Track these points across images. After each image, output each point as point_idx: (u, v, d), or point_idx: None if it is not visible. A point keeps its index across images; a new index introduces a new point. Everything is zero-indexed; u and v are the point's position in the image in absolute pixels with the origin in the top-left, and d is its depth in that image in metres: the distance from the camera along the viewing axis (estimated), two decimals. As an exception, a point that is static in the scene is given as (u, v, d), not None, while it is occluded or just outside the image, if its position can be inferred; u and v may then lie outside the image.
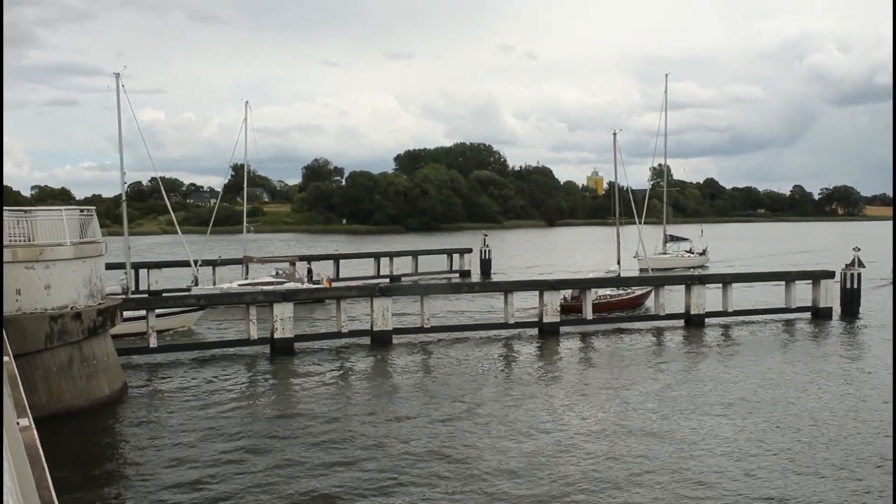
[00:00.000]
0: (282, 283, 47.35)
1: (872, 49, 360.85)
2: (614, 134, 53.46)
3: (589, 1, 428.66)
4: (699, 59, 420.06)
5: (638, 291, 47.08)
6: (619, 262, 51.60)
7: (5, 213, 24.45)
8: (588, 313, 39.80)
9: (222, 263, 57.98)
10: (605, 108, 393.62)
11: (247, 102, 51.13)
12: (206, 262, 56.65)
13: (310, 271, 56.75)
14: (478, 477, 18.33)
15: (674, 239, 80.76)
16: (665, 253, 77.23)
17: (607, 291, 45.51)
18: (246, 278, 52.23)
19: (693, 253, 79.91)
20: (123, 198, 44.58)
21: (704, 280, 41.96)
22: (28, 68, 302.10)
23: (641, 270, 62.63)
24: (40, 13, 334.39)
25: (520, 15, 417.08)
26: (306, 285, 47.96)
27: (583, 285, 41.63)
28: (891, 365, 29.81)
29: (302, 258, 62.61)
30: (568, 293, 43.61)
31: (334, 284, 52.41)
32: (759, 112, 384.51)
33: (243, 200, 54.51)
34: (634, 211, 53.46)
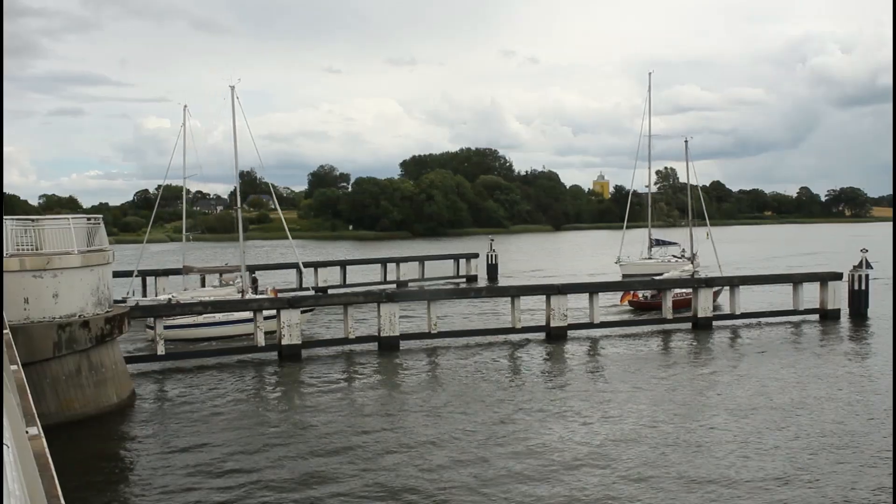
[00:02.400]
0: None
1: (875, 50, 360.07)
2: (685, 141, 54.24)
3: (590, 6, 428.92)
4: (701, 63, 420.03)
5: (714, 289, 47.49)
6: (692, 260, 52.67)
7: (13, 223, 24.56)
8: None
9: (164, 273, 56.23)
10: (609, 112, 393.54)
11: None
12: (146, 273, 55.95)
13: (255, 281, 53.81)
14: (493, 482, 18.31)
15: (660, 243, 77.19)
16: (650, 258, 73.98)
17: (683, 290, 46.34)
18: (185, 289, 49.53)
19: (681, 258, 74.85)
20: (238, 203, 45.68)
21: (712, 283, 41.85)
22: (33, 78, 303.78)
23: (624, 276, 62.13)
24: (45, 23, 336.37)
25: (521, 20, 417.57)
26: (249, 296, 45.49)
27: (591, 289, 41.60)
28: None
29: (248, 268, 57.69)
30: (648, 293, 45.22)
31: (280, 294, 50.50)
32: (762, 114, 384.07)
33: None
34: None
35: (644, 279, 51.44)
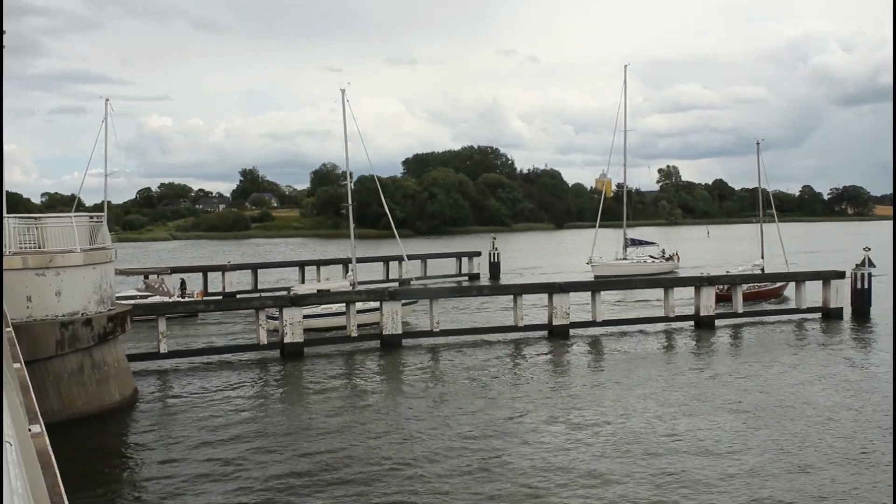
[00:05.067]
0: (147, 296, 45.05)
1: (876, 49, 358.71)
2: (757, 144, 54.48)
3: (589, 5, 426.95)
4: (702, 62, 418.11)
5: (778, 283, 49.25)
6: (762, 257, 54.30)
7: (16, 221, 24.60)
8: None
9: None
10: (610, 110, 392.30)
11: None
12: None
13: (183, 283, 53.09)
14: (495, 481, 18.31)
15: (636, 243, 75.69)
16: (625, 258, 72.50)
17: (756, 283, 48.23)
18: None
19: (659, 258, 74.03)
20: (349, 201, 46.15)
21: (714, 281, 41.81)
22: (35, 77, 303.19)
23: (596, 277, 60.80)
24: (47, 22, 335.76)
25: (520, 20, 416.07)
26: (175, 299, 45.58)
27: (593, 287, 41.63)
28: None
29: (174, 270, 57.85)
30: (724, 286, 46.14)
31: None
32: (763, 113, 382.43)
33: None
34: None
35: (645, 277, 51.29)
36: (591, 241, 71.10)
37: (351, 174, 48.88)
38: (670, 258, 74.02)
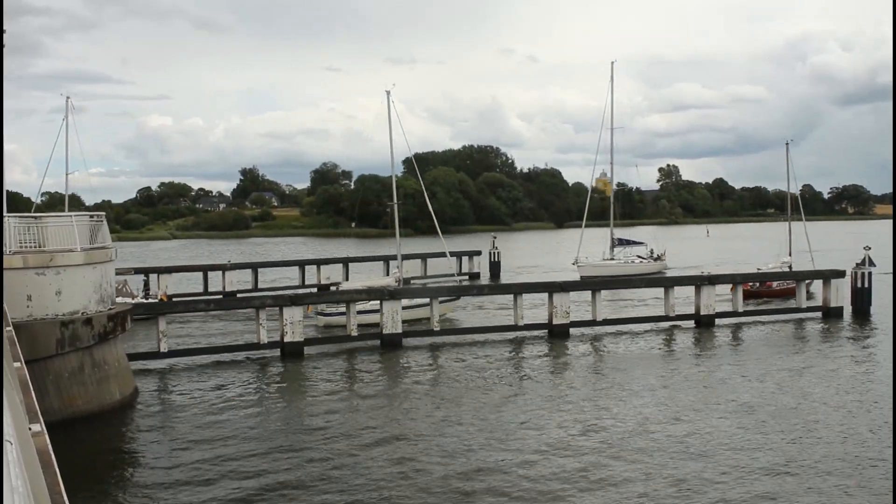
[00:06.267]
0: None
1: (875, 48, 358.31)
2: (786, 144, 56.47)
3: (588, 5, 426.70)
4: (701, 61, 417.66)
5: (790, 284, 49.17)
6: (790, 254, 55.58)
7: (16, 220, 24.60)
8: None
9: None
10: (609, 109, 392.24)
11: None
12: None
13: (146, 283, 52.11)
14: (495, 480, 18.31)
15: (623, 243, 74.40)
16: (612, 258, 71.10)
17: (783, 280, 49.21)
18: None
19: (647, 258, 72.76)
20: (395, 199, 46.85)
21: (714, 280, 41.82)
22: (35, 77, 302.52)
23: (582, 278, 59.28)
24: (47, 22, 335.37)
25: (519, 19, 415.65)
26: (138, 300, 44.19)
27: (593, 287, 41.64)
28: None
29: (138, 270, 56.38)
30: (754, 283, 48.55)
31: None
32: (763, 112, 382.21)
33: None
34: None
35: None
36: (589, 239, 70.53)
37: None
38: (658, 258, 72.94)
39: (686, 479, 18.15)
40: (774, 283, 49.96)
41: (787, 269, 52.38)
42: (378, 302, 36.67)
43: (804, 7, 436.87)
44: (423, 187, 58.32)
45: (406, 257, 57.19)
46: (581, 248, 68.04)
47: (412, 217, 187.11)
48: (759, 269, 54.86)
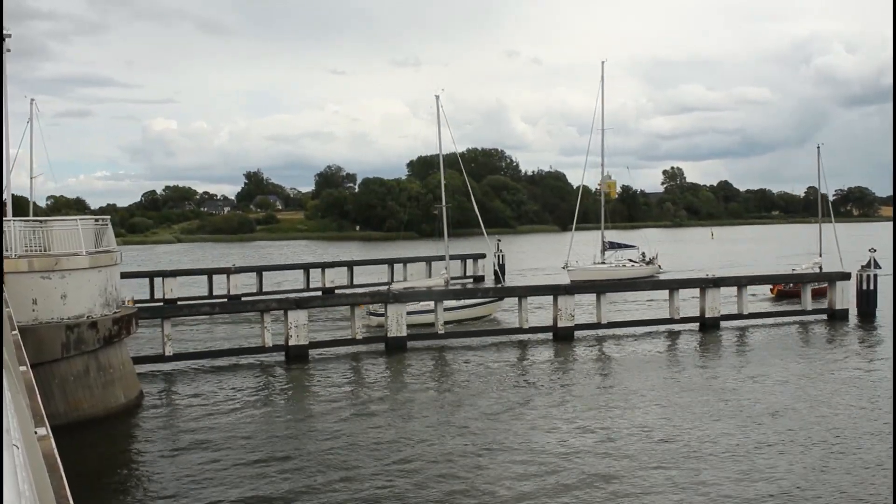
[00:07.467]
0: None
1: (880, 49, 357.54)
2: (818, 147, 54.25)
3: (592, 7, 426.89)
4: (706, 62, 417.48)
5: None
6: (821, 255, 56.24)
7: (22, 224, 24.66)
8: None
9: None
10: (615, 112, 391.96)
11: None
12: None
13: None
14: (498, 484, 18.30)
15: (614, 246, 73.10)
16: (603, 262, 70.12)
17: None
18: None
19: (638, 262, 71.41)
20: (444, 206, 48.07)
21: (719, 283, 41.76)
22: (41, 80, 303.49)
23: (572, 282, 56.95)
24: (53, 26, 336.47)
25: (524, 21, 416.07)
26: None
27: (598, 289, 41.62)
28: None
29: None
30: (790, 284, 49.90)
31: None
32: (768, 114, 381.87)
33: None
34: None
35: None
36: (587, 242, 70.14)
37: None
38: (650, 262, 71.64)
39: (688, 484, 18.12)
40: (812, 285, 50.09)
41: (819, 270, 53.27)
42: (432, 303, 38.05)
43: (808, 8, 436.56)
44: (470, 188, 59.14)
45: (452, 258, 57.58)
46: (572, 252, 66.73)
47: (417, 220, 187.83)
48: (793, 269, 55.39)
